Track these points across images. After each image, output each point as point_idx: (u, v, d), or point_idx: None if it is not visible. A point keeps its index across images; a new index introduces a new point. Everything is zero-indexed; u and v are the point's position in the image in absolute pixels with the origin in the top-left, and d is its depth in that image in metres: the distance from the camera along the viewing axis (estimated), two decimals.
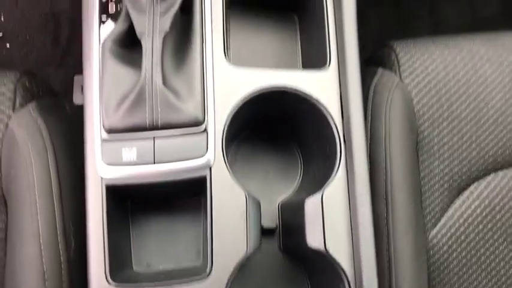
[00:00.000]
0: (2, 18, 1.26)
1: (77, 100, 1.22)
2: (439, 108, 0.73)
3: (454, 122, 0.74)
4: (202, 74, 0.54)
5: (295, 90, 0.56)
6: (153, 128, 0.52)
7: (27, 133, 0.62)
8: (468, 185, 0.75)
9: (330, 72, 0.58)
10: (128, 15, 0.53)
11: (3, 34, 1.25)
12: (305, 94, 0.57)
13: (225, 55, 0.56)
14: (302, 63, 0.71)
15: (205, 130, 0.53)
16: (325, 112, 0.57)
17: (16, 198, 0.60)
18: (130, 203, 0.59)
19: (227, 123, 0.54)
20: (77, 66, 1.24)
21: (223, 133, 0.54)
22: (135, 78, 0.52)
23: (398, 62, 0.75)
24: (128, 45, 0.55)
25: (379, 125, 0.68)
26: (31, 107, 0.67)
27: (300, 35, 0.74)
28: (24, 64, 1.24)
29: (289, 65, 0.71)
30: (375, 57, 0.81)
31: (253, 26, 0.74)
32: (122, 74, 0.53)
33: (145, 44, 0.51)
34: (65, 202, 0.60)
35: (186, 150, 0.52)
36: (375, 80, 0.75)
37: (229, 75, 0.55)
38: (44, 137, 0.63)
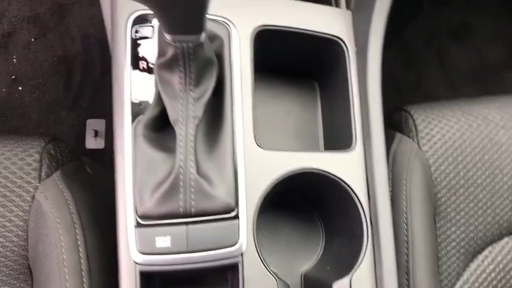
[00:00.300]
0: (15, 60, 1.27)
1: (89, 145, 1.24)
2: (456, 176, 0.75)
3: (470, 188, 0.75)
4: (234, 158, 0.55)
5: (323, 172, 0.57)
6: (187, 215, 0.52)
7: (54, 206, 0.63)
8: (483, 249, 0.76)
9: (356, 154, 0.59)
10: (160, 100, 0.54)
11: (15, 76, 1.26)
12: (332, 176, 0.58)
13: (254, 138, 0.57)
14: (324, 133, 0.72)
15: (237, 216, 0.54)
16: (351, 193, 0.58)
17: (44, 273, 0.60)
18: (160, 280, 0.60)
19: (258, 208, 0.55)
20: (88, 110, 1.26)
21: (254, 218, 0.55)
22: (168, 163, 0.53)
23: (416, 129, 0.77)
24: (160, 129, 0.55)
25: (399, 196, 0.70)
26: (56, 176, 0.67)
27: (321, 101, 0.76)
28: (35, 107, 1.24)
29: (311, 134, 0.72)
30: (392, 120, 0.83)
31: (275, 91, 0.76)
32: (155, 158, 0.54)
33: (179, 131, 0.52)
34: (94, 279, 0.60)
35: (218, 237, 0.52)
36: (394, 146, 0.77)
37: (259, 159, 0.56)
38: (72, 211, 0.63)
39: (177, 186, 0.51)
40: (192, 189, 0.52)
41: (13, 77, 1.26)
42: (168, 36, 0.46)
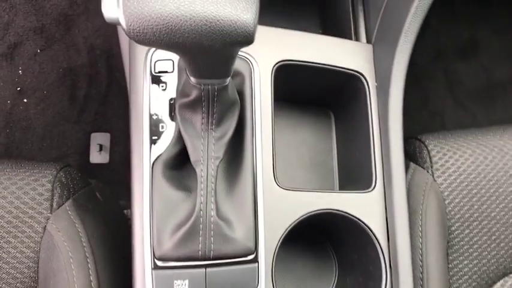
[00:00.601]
0: (20, 71, 1.26)
1: (93, 159, 1.22)
2: (470, 208, 0.75)
3: (484, 221, 0.75)
4: (254, 198, 0.54)
5: (343, 212, 0.57)
6: (205, 258, 0.51)
7: (66, 239, 0.62)
8: (494, 282, 0.76)
9: (376, 195, 0.58)
10: (180, 138, 0.53)
11: (21, 88, 1.24)
12: (351, 216, 0.57)
13: (274, 178, 0.56)
14: (338, 164, 0.72)
15: (256, 259, 0.53)
16: (370, 235, 0.57)
17: None
18: None
19: (276, 250, 0.54)
20: (93, 123, 1.24)
21: (273, 261, 0.54)
22: (188, 203, 0.52)
23: (431, 160, 0.76)
24: (180, 167, 0.54)
25: (414, 232, 0.69)
26: (68, 206, 0.66)
27: (336, 131, 0.75)
28: (40, 120, 1.22)
29: (325, 165, 0.71)
30: (405, 149, 0.82)
31: (289, 118, 0.75)
32: (174, 198, 0.53)
33: (200, 172, 0.51)
34: None
35: (237, 281, 0.52)
36: (408, 177, 0.76)
37: (279, 199, 0.56)
38: (84, 244, 0.62)
39: (197, 229, 0.51)
40: (211, 232, 0.51)
41: (18, 88, 1.24)
42: (193, 79, 0.45)
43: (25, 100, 1.24)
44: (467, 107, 1.44)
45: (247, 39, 0.36)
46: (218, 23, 0.34)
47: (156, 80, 0.57)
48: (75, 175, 0.71)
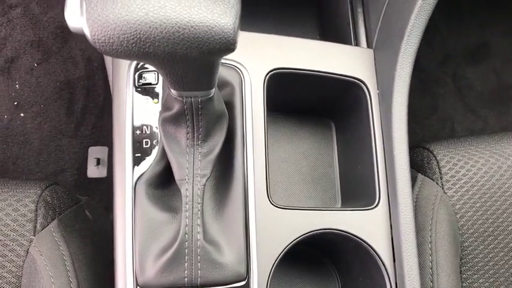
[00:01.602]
0: (17, 86, 1.24)
1: (91, 174, 1.19)
2: (485, 222, 0.69)
3: (500, 236, 0.69)
4: (245, 219, 0.50)
5: (344, 232, 0.52)
6: (192, 286, 0.47)
7: (48, 263, 0.58)
8: None
9: (380, 212, 0.53)
10: (164, 155, 0.49)
11: (18, 102, 1.23)
12: (354, 236, 0.52)
13: (268, 196, 0.52)
14: (340, 178, 0.67)
15: (247, 285, 0.48)
16: (374, 256, 0.52)
17: None
18: None
19: (271, 275, 0.49)
20: (90, 137, 1.21)
21: (267, 285, 0.49)
22: (173, 226, 0.48)
23: (440, 171, 0.71)
24: (164, 185, 0.50)
25: (424, 250, 0.64)
26: (52, 227, 0.62)
27: (337, 142, 0.71)
28: (37, 134, 1.20)
29: (327, 179, 0.67)
30: (413, 159, 0.77)
31: (288, 130, 0.71)
32: (159, 220, 0.49)
33: (185, 192, 0.47)
34: None
35: None
36: (416, 189, 0.71)
37: (274, 219, 0.51)
38: (68, 268, 0.58)
39: (182, 254, 0.46)
40: (198, 257, 0.46)
41: (15, 103, 1.22)
42: (174, 92, 0.41)
43: (22, 114, 1.22)
44: (478, 112, 1.38)
45: (227, 46, 0.32)
46: (192, 29, 0.31)
47: (140, 92, 0.54)
48: (62, 193, 0.68)
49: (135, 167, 0.51)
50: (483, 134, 0.77)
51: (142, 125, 0.52)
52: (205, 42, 0.31)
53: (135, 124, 0.52)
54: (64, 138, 1.21)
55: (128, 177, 0.51)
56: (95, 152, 1.17)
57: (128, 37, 0.31)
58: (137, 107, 0.53)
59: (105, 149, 1.19)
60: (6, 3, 1.30)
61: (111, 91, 0.58)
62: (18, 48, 1.25)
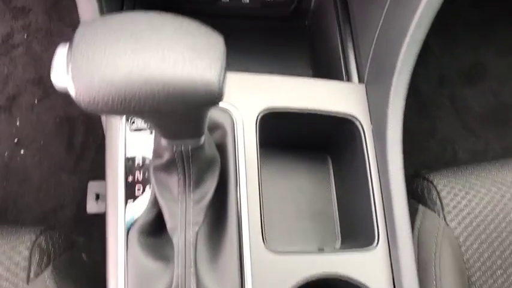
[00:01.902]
0: (18, 123, 1.25)
1: (90, 209, 1.18)
2: (492, 255, 0.67)
3: (509, 269, 0.67)
4: (240, 266, 0.48)
5: (343, 277, 0.50)
6: None
7: None
8: None
9: (379, 252, 0.52)
10: (156, 203, 0.49)
11: (18, 139, 1.23)
12: (354, 280, 0.50)
13: (264, 241, 0.51)
14: (339, 214, 0.66)
15: None
16: None
17: None
18: None
19: None
20: (90, 171, 1.21)
21: None
22: (166, 276, 0.47)
23: (441, 202, 0.69)
24: (157, 233, 0.50)
25: (428, 285, 0.61)
26: (47, 274, 0.61)
27: (335, 177, 0.70)
28: (37, 171, 1.20)
29: (325, 215, 0.66)
30: (412, 189, 0.76)
31: (283, 165, 0.70)
32: (151, 270, 0.47)
33: (177, 241, 0.46)
34: None
35: None
36: (418, 222, 0.69)
37: (270, 266, 0.50)
38: None
39: None
40: None
41: (16, 140, 1.23)
42: (163, 141, 0.41)
43: (22, 151, 1.23)
44: (478, 133, 1.36)
45: (212, 100, 0.32)
46: (177, 86, 0.30)
47: (134, 136, 0.54)
48: (58, 238, 0.67)
49: (127, 213, 0.51)
50: (484, 159, 0.76)
51: (133, 172, 0.52)
52: (191, 97, 0.31)
53: (127, 168, 0.52)
54: (64, 173, 1.21)
55: (120, 225, 0.50)
56: (95, 186, 1.16)
57: (112, 97, 0.30)
58: (130, 153, 0.53)
59: (104, 183, 1.18)
60: (10, 43, 1.33)
61: (104, 132, 0.58)
62: (19, 86, 1.27)
